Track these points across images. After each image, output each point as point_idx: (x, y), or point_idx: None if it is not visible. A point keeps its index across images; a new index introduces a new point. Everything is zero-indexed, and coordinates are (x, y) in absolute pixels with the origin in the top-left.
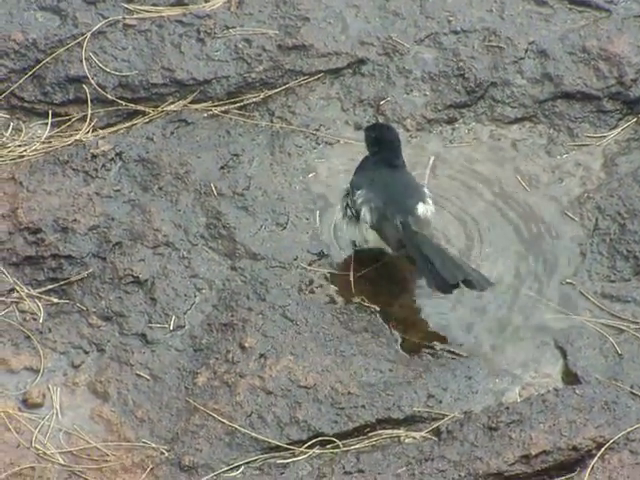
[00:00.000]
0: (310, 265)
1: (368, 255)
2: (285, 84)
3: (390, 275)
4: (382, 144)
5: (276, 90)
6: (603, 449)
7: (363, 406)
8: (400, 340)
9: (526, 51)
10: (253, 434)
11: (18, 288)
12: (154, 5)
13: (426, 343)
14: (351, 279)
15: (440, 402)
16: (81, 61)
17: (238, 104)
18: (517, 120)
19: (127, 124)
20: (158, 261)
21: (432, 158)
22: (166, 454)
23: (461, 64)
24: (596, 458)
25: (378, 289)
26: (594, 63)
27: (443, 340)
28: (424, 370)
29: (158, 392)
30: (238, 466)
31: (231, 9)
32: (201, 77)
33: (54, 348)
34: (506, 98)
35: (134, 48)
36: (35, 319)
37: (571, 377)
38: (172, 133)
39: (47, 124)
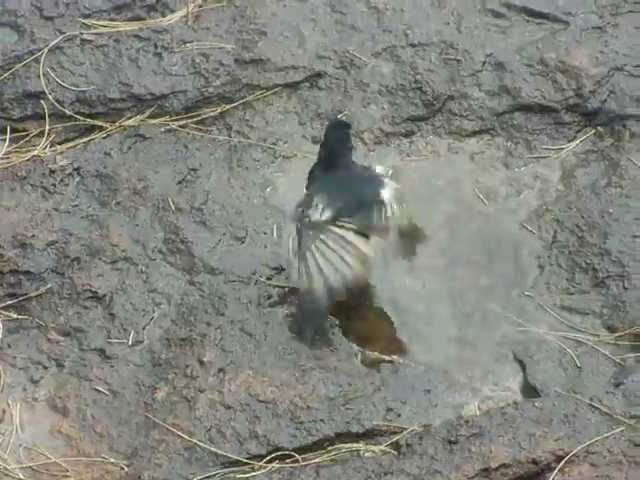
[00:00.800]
0: (269, 279)
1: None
2: (242, 98)
3: (349, 289)
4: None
5: (234, 104)
6: (563, 462)
7: (322, 420)
8: (359, 354)
9: (483, 63)
10: (212, 449)
11: None
12: (111, 20)
13: (385, 357)
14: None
15: (399, 416)
16: (39, 76)
17: (196, 118)
18: (475, 133)
19: (85, 139)
20: (116, 276)
21: (390, 171)
22: (126, 469)
23: (418, 77)
24: (556, 471)
25: (337, 302)
26: (552, 75)
27: (402, 353)
28: (383, 384)
29: (117, 407)
30: None
31: (188, 23)
32: (158, 92)
33: (13, 364)
34: (464, 111)
35: (91, 63)
36: None
37: (530, 390)
38: (130, 148)
39: (5, 140)
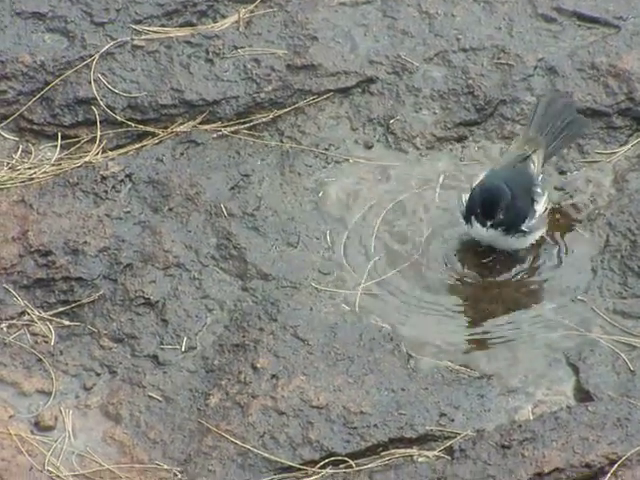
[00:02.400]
0: (321, 284)
1: (379, 274)
2: (294, 104)
3: (402, 293)
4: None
5: (285, 110)
6: (616, 466)
7: (375, 425)
8: (412, 359)
9: (535, 68)
10: (266, 455)
11: (29, 311)
12: (162, 26)
13: (438, 361)
14: (357, 298)
15: (452, 421)
16: (90, 83)
17: (247, 124)
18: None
19: (137, 145)
20: (169, 282)
21: (442, 176)
22: (179, 475)
23: (470, 82)
24: (609, 475)
25: (390, 307)
26: (603, 79)
27: (455, 358)
28: (436, 389)
29: (170, 413)
30: None
31: (239, 29)
32: (210, 98)
33: (66, 371)
34: (516, 115)
35: (143, 69)
36: (46, 342)
37: (583, 394)
38: (182, 154)
39: (56, 146)
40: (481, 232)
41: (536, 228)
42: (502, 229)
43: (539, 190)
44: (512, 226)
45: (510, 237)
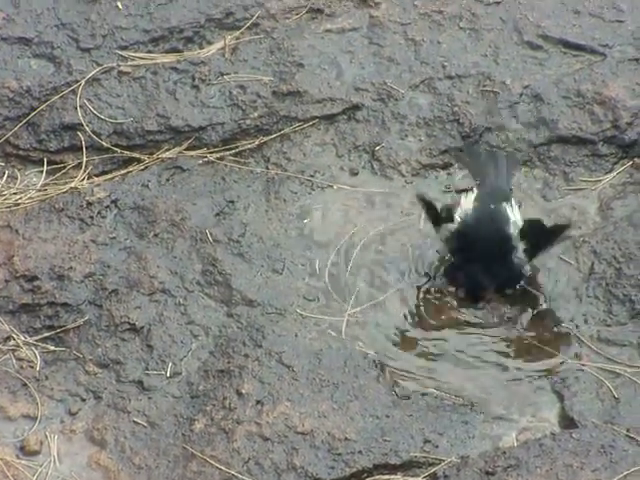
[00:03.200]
0: (306, 311)
1: (365, 300)
2: (280, 130)
3: (386, 320)
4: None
5: (271, 136)
6: None
7: (360, 452)
8: (396, 385)
9: (521, 95)
10: None
11: (15, 336)
12: (149, 52)
13: (422, 388)
14: (344, 325)
15: (437, 447)
16: (76, 108)
17: (233, 150)
18: None
19: (122, 171)
20: (154, 308)
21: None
22: None
23: (456, 109)
24: None
25: (375, 334)
26: (589, 107)
27: (439, 385)
28: (420, 415)
29: (155, 439)
30: None
31: (225, 56)
32: (196, 124)
33: (51, 395)
34: (501, 143)
35: (129, 95)
36: (32, 367)
37: (568, 421)
38: (167, 180)
39: (42, 172)
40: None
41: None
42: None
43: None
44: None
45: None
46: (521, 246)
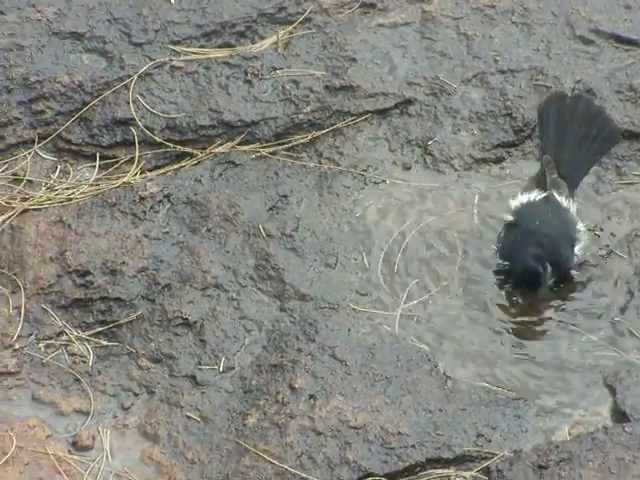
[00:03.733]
0: (359, 305)
1: (418, 295)
2: (333, 125)
3: (439, 313)
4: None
5: (324, 131)
6: None
7: (413, 446)
8: (449, 379)
9: (573, 90)
10: (303, 475)
11: (67, 331)
12: (201, 47)
13: (475, 382)
14: (397, 319)
15: (490, 441)
16: (128, 103)
17: (286, 145)
18: None
19: (175, 166)
20: (207, 303)
21: (477, 197)
22: None
23: (508, 103)
24: None
25: (427, 328)
26: None
27: (492, 379)
28: (473, 409)
29: (208, 433)
30: None
31: (278, 50)
32: (249, 118)
33: (104, 390)
34: None
35: (181, 90)
36: (84, 362)
37: (620, 415)
38: (220, 175)
39: (95, 167)
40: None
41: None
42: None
43: (578, 236)
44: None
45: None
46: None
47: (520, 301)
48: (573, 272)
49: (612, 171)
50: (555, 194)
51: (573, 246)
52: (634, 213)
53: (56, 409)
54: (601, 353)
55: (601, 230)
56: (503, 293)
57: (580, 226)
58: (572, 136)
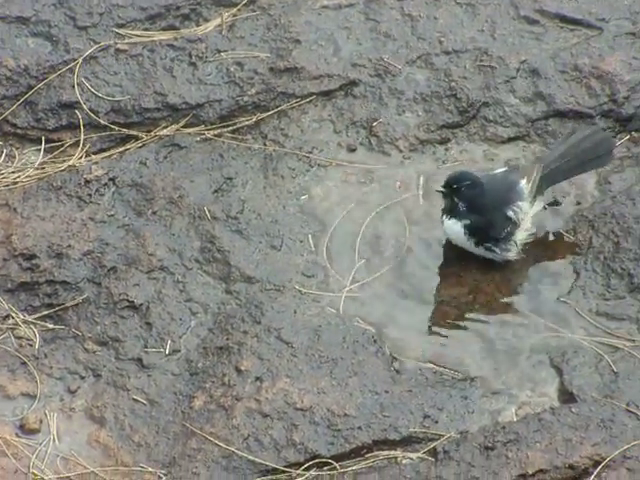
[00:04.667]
0: (305, 287)
1: (363, 276)
2: (277, 107)
3: (385, 295)
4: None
5: (269, 113)
6: (600, 467)
7: (359, 427)
8: (395, 361)
9: (518, 70)
10: (250, 457)
11: (13, 314)
12: (146, 30)
13: (421, 364)
14: (342, 301)
15: (436, 422)
16: (73, 87)
17: (231, 127)
18: (510, 139)
19: (120, 149)
20: (153, 285)
21: (422, 178)
22: (163, 478)
23: (453, 84)
24: (593, 476)
25: (373, 309)
26: (586, 81)
27: (438, 360)
28: (420, 391)
29: (155, 416)
30: None
31: (222, 33)
32: (193, 101)
33: (50, 374)
34: (498, 118)
35: (126, 73)
36: (31, 345)
37: (567, 396)
38: (165, 157)
39: (40, 150)
40: (447, 225)
41: (505, 250)
42: (468, 233)
43: (520, 205)
44: (477, 231)
45: (478, 247)
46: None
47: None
48: (492, 246)
49: None
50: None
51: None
52: (579, 193)
53: (3, 392)
54: (547, 334)
55: (558, 204)
56: (448, 273)
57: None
58: (570, 152)
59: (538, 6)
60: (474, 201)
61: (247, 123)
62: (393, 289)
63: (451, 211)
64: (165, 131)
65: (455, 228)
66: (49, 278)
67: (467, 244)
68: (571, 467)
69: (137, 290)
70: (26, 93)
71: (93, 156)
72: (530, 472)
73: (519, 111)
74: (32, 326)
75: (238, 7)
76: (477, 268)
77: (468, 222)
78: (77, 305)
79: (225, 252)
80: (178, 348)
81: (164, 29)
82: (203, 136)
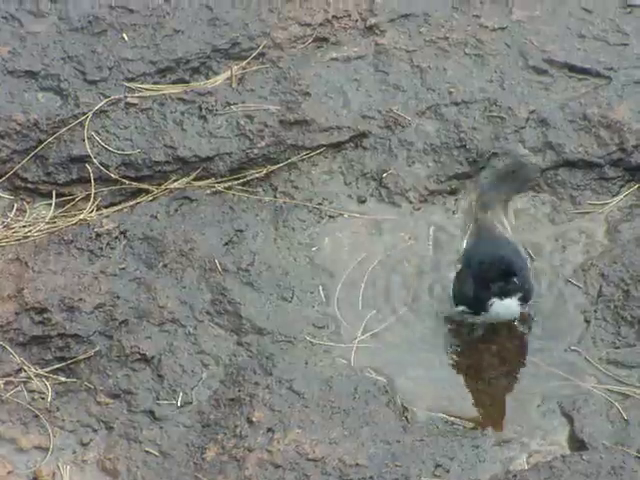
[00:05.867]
0: (316, 338)
1: (374, 327)
2: (287, 159)
3: (396, 345)
4: None
5: (279, 165)
6: None
7: (372, 477)
8: (407, 411)
9: (527, 120)
10: None
11: (26, 368)
12: (155, 83)
13: (432, 413)
14: (353, 351)
15: (448, 472)
16: (83, 140)
17: (241, 180)
18: None
19: (131, 202)
20: (164, 338)
21: (432, 228)
22: None
23: (462, 135)
24: None
25: (384, 360)
26: (595, 130)
27: (450, 410)
28: (431, 440)
29: (167, 468)
30: None
31: (232, 86)
32: (204, 154)
33: (63, 427)
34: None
35: (136, 127)
36: (43, 398)
37: (578, 443)
38: (176, 210)
39: (51, 204)
40: (504, 307)
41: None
42: (520, 300)
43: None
44: (528, 294)
45: (523, 306)
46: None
47: (480, 332)
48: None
49: (567, 201)
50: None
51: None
52: (589, 242)
53: (16, 445)
54: (558, 382)
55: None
56: (458, 324)
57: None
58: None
59: (547, 56)
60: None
61: (257, 175)
62: (403, 340)
63: (506, 292)
64: (176, 184)
65: (512, 305)
66: (61, 331)
67: (516, 315)
68: None
69: (149, 343)
70: (36, 147)
71: (104, 210)
72: None
73: (529, 161)
74: (44, 379)
75: (247, 60)
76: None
77: (521, 294)
78: (89, 358)
79: (236, 304)
80: (190, 400)
81: (174, 82)
82: (213, 189)
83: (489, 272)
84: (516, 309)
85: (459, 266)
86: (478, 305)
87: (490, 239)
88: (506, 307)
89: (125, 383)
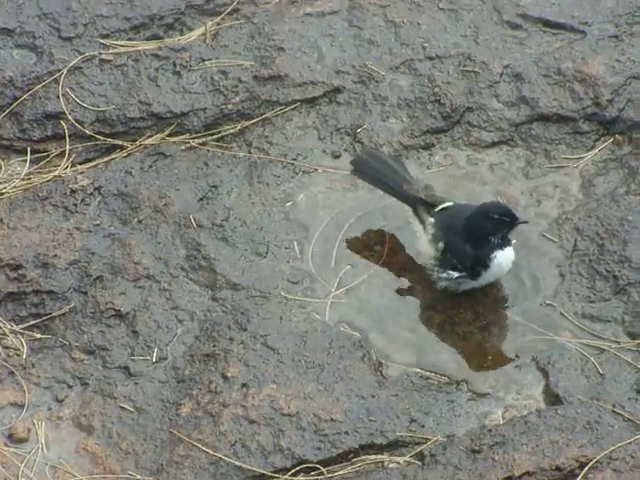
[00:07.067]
0: (290, 294)
1: (348, 282)
2: (262, 114)
3: (370, 300)
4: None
5: (253, 121)
6: (586, 468)
7: (346, 432)
8: (381, 366)
9: (501, 75)
10: (237, 463)
11: (1, 324)
12: (130, 40)
13: (407, 368)
14: (327, 306)
15: (423, 426)
16: (58, 97)
17: (215, 136)
18: (494, 144)
19: (105, 159)
20: (139, 294)
21: None
22: None
23: (437, 90)
24: (579, 478)
25: (359, 315)
26: (569, 85)
27: (424, 365)
28: (406, 395)
29: (142, 424)
30: None
31: (206, 42)
32: (178, 110)
33: (38, 383)
34: (482, 122)
35: (111, 83)
36: (18, 355)
37: (553, 398)
38: (150, 166)
39: (26, 161)
40: (505, 257)
41: None
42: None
43: None
44: None
45: None
46: None
47: (462, 287)
48: None
49: (541, 155)
50: None
51: None
52: (564, 197)
53: None
54: (533, 337)
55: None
56: (434, 278)
57: None
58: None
59: (521, 11)
60: None
61: (232, 131)
62: (378, 295)
63: (507, 241)
64: (150, 140)
65: (512, 255)
66: (36, 288)
67: (511, 264)
68: (557, 469)
69: (123, 299)
70: (11, 104)
71: (79, 166)
72: (517, 474)
73: (503, 115)
74: (19, 336)
75: (222, 16)
76: None
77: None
78: (64, 314)
79: (211, 260)
80: (165, 356)
81: (148, 39)
82: (188, 145)
83: (488, 224)
84: (513, 256)
85: (441, 245)
86: (480, 264)
87: (456, 205)
88: (507, 256)
89: (100, 339)
